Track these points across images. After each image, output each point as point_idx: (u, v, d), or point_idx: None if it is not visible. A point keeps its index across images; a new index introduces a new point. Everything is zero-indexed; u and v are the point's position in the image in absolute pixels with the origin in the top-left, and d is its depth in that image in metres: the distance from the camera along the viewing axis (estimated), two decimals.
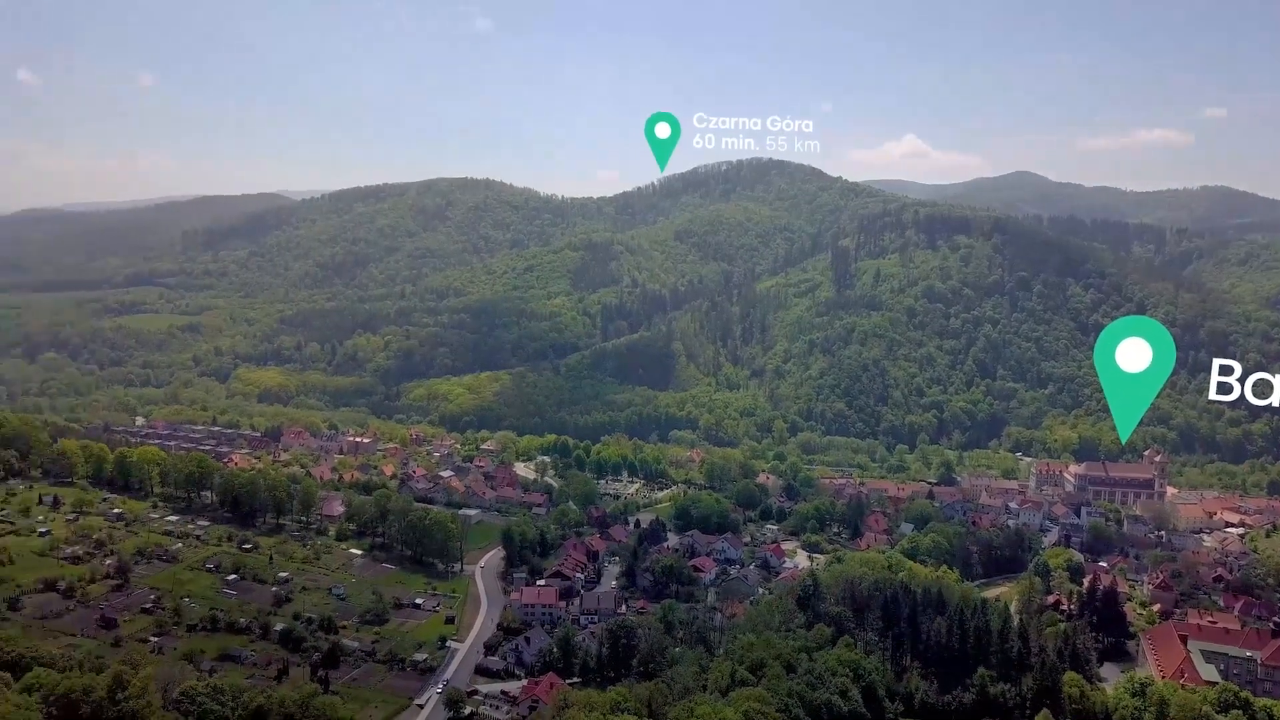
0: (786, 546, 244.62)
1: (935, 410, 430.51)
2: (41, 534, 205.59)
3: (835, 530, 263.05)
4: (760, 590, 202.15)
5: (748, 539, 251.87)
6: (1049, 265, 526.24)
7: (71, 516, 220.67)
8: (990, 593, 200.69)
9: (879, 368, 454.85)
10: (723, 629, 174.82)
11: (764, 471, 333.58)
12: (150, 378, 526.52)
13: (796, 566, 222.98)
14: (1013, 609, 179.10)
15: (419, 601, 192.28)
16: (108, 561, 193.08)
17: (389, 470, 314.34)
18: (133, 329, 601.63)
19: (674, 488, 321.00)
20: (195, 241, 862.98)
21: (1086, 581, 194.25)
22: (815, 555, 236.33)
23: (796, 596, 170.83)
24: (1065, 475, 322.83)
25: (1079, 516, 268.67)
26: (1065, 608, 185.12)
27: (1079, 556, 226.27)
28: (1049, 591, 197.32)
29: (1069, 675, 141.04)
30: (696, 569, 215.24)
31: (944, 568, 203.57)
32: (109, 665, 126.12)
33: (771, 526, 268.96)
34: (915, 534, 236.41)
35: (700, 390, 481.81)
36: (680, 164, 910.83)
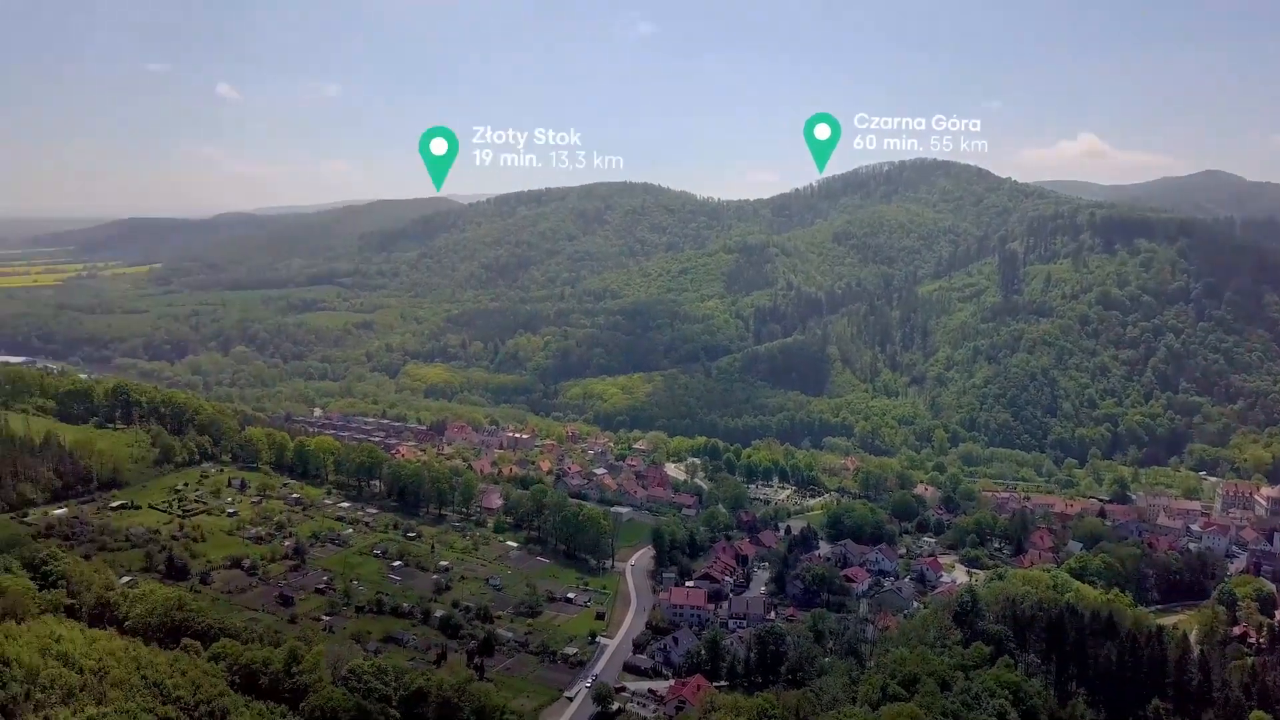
0: (944, 560, 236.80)
1: (1109, 424, 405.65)
2: (230, 514, 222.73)
3: (996, 546, 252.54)
4: (915, 604, 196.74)
5: (903, 551, 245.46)
6: (1241, 271, 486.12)
7: (256, 499, 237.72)
8: (1167, 620, 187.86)
9: (1048, 377, 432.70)
10: (874, 641, 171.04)
11: (922, 482, 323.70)
12: (327, 371, 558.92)
13: (954, 581, 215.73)
14: (1192, 639, 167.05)
15: (571, 596, 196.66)
16: (287, 543, 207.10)
17: (545, 466, 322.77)
18: (313, 325, 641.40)
19: (826, 495, 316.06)
20: (370, 243, 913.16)
21: (1279, 614, 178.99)
22: (974, 571, 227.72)
23: (954, 612, 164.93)
24: (1257, 498, 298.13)
25: (1271, 543, 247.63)
26: (1253, 641, 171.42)
27: (1270, 586, 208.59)
28: (1234, 622, 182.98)
29: (1256, 714, 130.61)
30: (849, 579, 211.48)
31: (1115, 591, 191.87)
32: (286, 640, 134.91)
33: (929, 539, 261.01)
34: (1084, 553, 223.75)
35: (856, 396, 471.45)
36: (840, 165, 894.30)
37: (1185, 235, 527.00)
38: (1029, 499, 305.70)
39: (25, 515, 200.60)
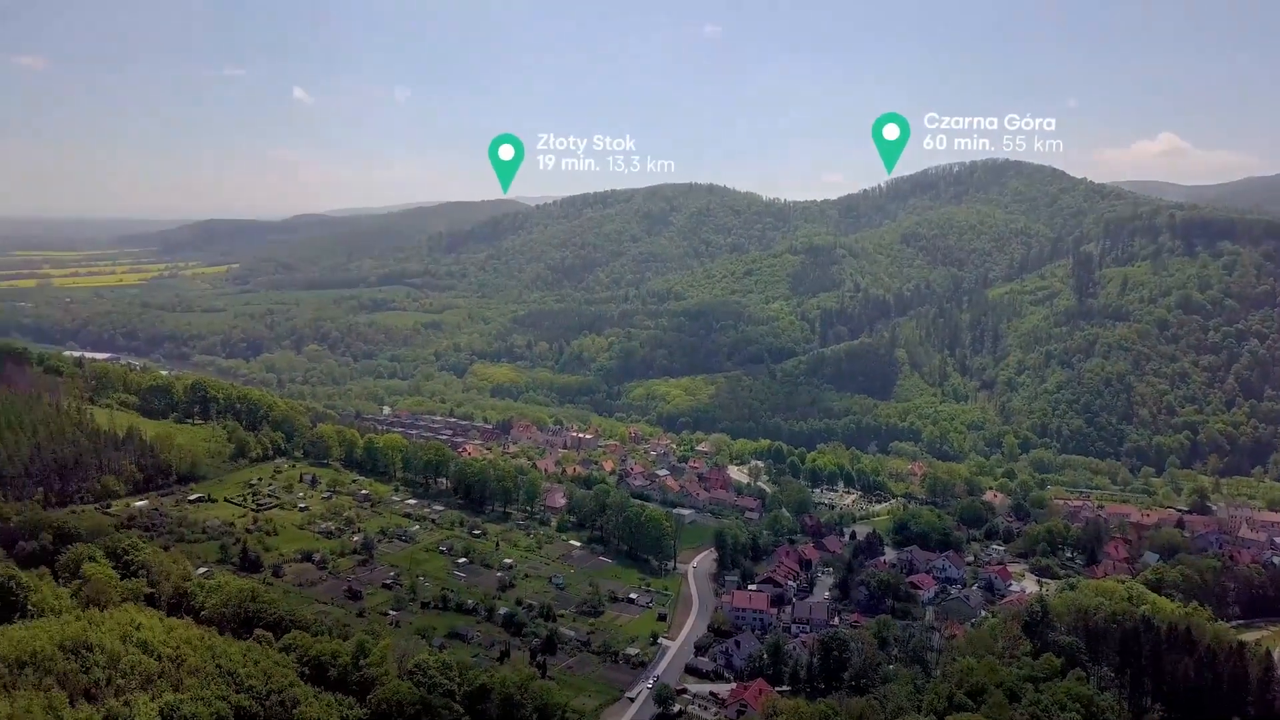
0: (1013, 569, 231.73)
1: (1188, 431, 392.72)
2: (301, 509, 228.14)
3: (1068, 555, 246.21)
4: (983, 612, 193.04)
5: (971, 558, 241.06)
6: None
7: (326, 495, 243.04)
8: (1249, 636, 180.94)
9: (1124, 383, 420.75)
10: (940, 650, 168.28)
11: (991, 489, 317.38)
12: (397, 370, 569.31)
13: (1023, 591, 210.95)
14: (1276, 656, 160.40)
15: (633, 596, 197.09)
16: (355, 538, 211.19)
17: (608, 466, 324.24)
18: (383, 325, 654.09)
19: (892, 501, 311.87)
20: (439, 245, 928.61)
21: None
22: (1045, 580, 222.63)
23: (1023, 622, 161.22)
24: None
25: None
26: None
27: None
28: None
29: None
30: (914, 586, 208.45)
31: (1194, 604, 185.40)
32: (354, 633, 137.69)
33: (998, 547, 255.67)
34: (1161, 565, 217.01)
35: (924, 400, 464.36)
36: (909, 166, 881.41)
37: (1271, 237, 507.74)
38: (1103, 508, 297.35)
39: (108, 506, 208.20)
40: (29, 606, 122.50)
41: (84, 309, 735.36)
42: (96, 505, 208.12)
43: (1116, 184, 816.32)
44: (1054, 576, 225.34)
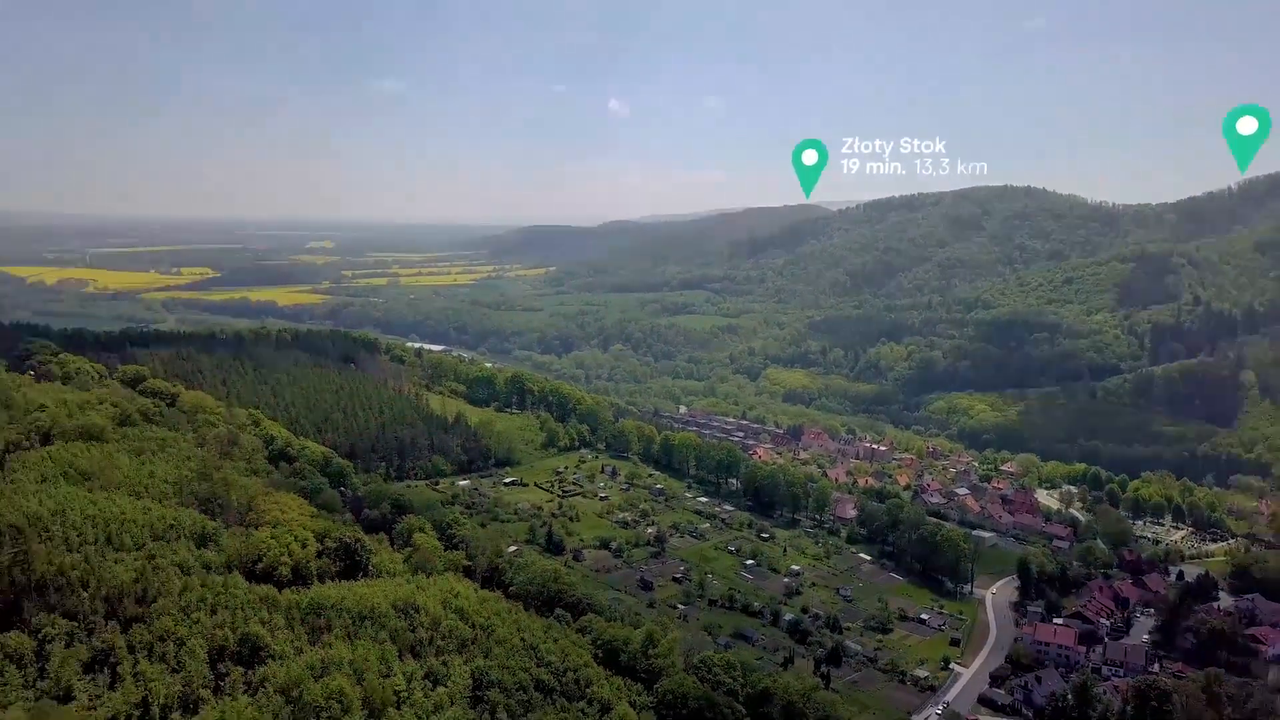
0: None
1: None
2: (601, 499, 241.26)
3: None
4: None
5: None
6: None
7: (624, 486, 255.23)
8: None
9: None
10: None
11: None
12: (693, 371, 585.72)
13: None
14: None
15: (924, 617, 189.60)
16: (649, 530, 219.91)
17: (903, 480, 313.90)
18: (682, 327, 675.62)
19: (1231, 541, 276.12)
20: (739, 250, 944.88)
21: None
22: None
23: None
24: None
25: None
26: None
27: None
28: None
29: None
30: (1255, 640, 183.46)
31: None
32: (644, 623, 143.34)
33: None
34: None
35: (1276, 430, 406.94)
36: (1267, 164, 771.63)
37: None
38: None
39: (437, 484, 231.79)
40: (370, 567, 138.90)
41: (424, 305, 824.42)
42: (427, 481, 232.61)
43: None
44: None
